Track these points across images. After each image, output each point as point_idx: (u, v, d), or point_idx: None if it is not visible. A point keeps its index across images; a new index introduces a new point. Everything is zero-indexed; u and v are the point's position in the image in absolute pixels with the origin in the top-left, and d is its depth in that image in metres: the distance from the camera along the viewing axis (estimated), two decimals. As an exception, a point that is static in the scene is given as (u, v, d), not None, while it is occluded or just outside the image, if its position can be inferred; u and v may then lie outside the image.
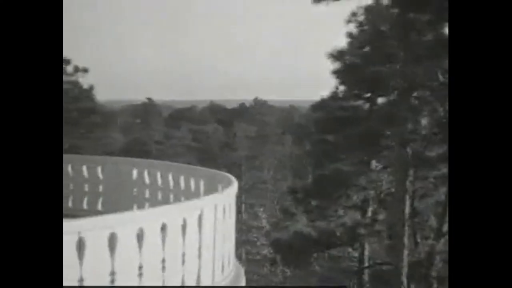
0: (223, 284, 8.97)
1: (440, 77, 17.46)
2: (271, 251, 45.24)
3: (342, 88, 26.83)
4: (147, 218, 7.75)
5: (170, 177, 12.81)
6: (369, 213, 25.98)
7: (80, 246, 6.74)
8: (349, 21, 25.84)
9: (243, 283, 9.64)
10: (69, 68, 50.94)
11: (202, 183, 11.80)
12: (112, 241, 7.03)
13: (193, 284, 8.23)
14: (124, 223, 7.35)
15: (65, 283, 6.57)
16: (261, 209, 48.95)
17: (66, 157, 17.40)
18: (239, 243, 9.66)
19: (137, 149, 51.59)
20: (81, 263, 6.73)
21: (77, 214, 13.04)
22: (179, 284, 7.93)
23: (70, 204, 14.30)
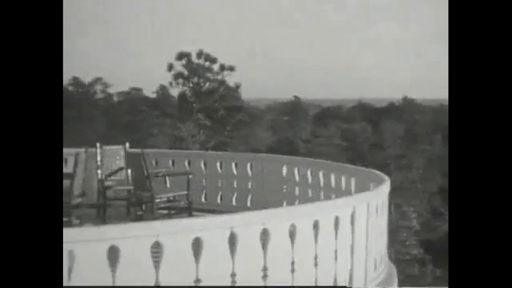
0: (374, 283, 8.81)
1: None
2: (421, 251, 44.49)
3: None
4: (300, 214, 7.72)
5: (321, 175, 12.73)
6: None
7: (232, 241, 6.77)
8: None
9: (395, 283, 9.43)
10: (215, 67, 51.80)
11: (353, 181, 11.65)
12: (264, 237, 7.03)
13: (346, 282, 8.11)
14: (277, 219, 7.34)
15: (217, 278, 6.63)
16: (411, 209, 48.17)
17: (215, 154, 17.70)
18: (388, 243, 9.46)
19: (284, 147, 51.86)
20: (233, 258, 6.75)
21: (227, 210, 13.22)
22: (332, 281, 7.85)
23: (219, 200, 14.47)
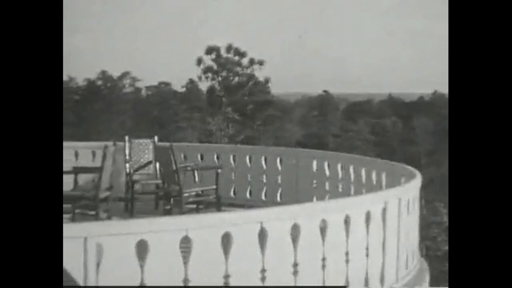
0: (406, 280, 8.70)
1: None
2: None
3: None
4: (331, 209, 7.63)
5: (351, 170, 12.60)
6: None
7: (262, 236, 6.69)
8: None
9: (427, 279, 9.31)
10: (244, 61, 51.81)
11: (384, 176, 11.51)
12: (294, 232, 6.95)
13: (377, 278, 8.01)
14: (307, 214, 7.26)
15: (246, 274, 6.55)
16: (442, 204, 47.83)
17: (244, 148, 17.62)
18: (419, 239, 9.34)
19: (313, 142, 51.73)
20: (263, 253, 6.67)
21: (256, 205, 13.14)
22: (363, 278, 7.75)
23: (248, 195, 14.39)
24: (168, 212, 12.30)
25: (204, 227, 6.45)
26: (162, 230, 6.20)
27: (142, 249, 6.01)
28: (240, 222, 6.74)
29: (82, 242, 5.84)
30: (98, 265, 5.88)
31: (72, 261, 5.59)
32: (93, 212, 11.82)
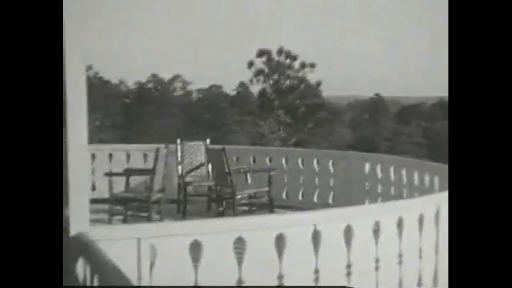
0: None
1: None
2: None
3: None
4: (384, 212, 7.60)
5: (404, 172, 12.52)
6: None
7: (316, 238, 6.69)
8: None
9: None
10: (296, 64, 51.82)
11: (436, 179, 11.41)
12: (347, 233, 6.93)
13: (431, 280, 7.94)
14: (360, 216, 7.24)
15: (300, 275, 6.55)
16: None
17: (296, 151, 17.60)
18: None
19: (364, 145, 51.46)
20: (316, 255, 6.66)
21: (308, 207, 13.13)
22: (416, 282, 7.69)
23: (300, 197, 14.38)
24: (220, 214, 12.36)
25: (258, 228, 6.46)
26: (216, 231, 6.23)
27: (196, 250, 6.04)
28: (294, 224, 6.74)
29: (135, 243, 5.88)
30: (151, 266, 5.92)
31: (126, 262, 5.64)
32: (145, 214, 11.95)
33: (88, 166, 6.15)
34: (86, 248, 5.51)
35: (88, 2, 5.95)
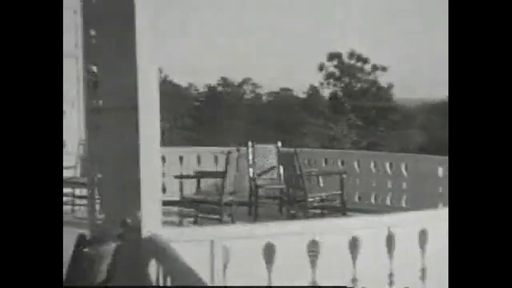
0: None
1: None
2: None
3: None
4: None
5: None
6: None
7: (389, 241, 6.60)
8: None
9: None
10: (367, 67, 51.53)
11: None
12: (422, 237, 6.82)
13: None
14: (435, 220, 7.12)
15: (373, 278, 6.46)
16: None
17: (368, 154, 17.45)
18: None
19: (436, 148, 50.81)
20: (390, 258, 6.57)
21: (380, 210, 12.99)
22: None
23: (372, 200, 14.25)
24: (292, 217, 12.31)
25: (332, 231, 6.41)
26: (290, 234, 6.19)
27: (269, 252, 6.01)
28: (368, 227, 6.67)
29: (208, 245, 5.88)
30: (225, 267, 5.91)
31: (199, 263, 5.63)
32: (216, 216, 11.97)
33: (160, 168, 6.17)
34: (158, 250, 5.53)
35: (160, 6, 5.97)
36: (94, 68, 6.44)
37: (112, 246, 5.55)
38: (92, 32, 6.39)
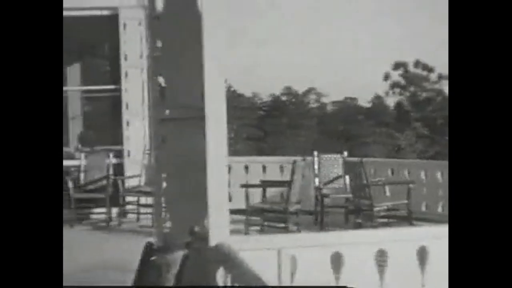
0: None
1: None
2: None
3: None
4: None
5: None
6: None
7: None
8: None
9: None
10: (432, 76, 51.05)
11: None
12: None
13: None
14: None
15: (441, 285, 6.36)
16: None
17: (435, 163, 17.22)
18: None
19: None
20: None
21: (431, 218, 12.84)
22: None
23: (440, 209, 14.07)
24: (359, 226, 12.25)
25: (400, 240, 6.34)
26: (358, 243, 6.15)
27: (337, 261, 5.98)
28: (435, 237, 6.57)
29: (276, 254, 5.88)
30: (292, 275, 5.91)
31: (266, 272, 5.63)
32: (282, 225, 11.97)
33: (226, 177, 6.21)
34: (226, 258, 5.54)
35: (224, 15, 6.00)
36: (161, 78, 6.51)
37: (180, 254, 5.58)
38: (159, 43, 6.46)
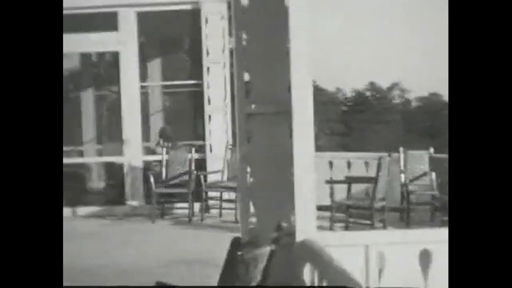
0: None
1: None
2: None
3: None
4: None
5: None
6: None
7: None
8: None
9: None
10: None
11: None
12: None
13: None
14: None
15: None
16: None
17: None
18: None
19: None
20: None
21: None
22: None
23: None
24: (445, 223, 12.05)
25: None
26: (446, 241, 6.03)
27: (425, 258, 5.88)
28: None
29: (363, 250, 5.83)
30: (380, 272, 5.84)
31: (353, 268, 5.58)
32: (368, 221, 11.89)
33: (313, 173, 6.17)
34: (313, 253, 5.51)
35: (310, 10, 5.95)
36: (246, 73, 6.49)
37: (267, 249, 5.56)
38: (244, 37, 6.45)
